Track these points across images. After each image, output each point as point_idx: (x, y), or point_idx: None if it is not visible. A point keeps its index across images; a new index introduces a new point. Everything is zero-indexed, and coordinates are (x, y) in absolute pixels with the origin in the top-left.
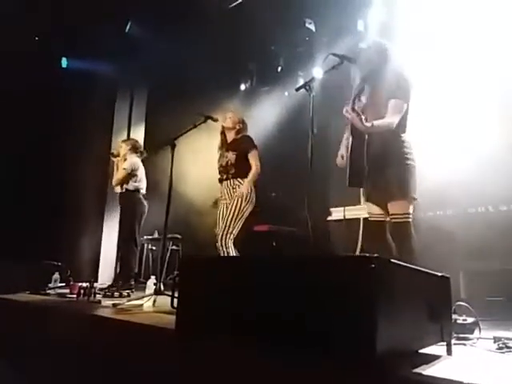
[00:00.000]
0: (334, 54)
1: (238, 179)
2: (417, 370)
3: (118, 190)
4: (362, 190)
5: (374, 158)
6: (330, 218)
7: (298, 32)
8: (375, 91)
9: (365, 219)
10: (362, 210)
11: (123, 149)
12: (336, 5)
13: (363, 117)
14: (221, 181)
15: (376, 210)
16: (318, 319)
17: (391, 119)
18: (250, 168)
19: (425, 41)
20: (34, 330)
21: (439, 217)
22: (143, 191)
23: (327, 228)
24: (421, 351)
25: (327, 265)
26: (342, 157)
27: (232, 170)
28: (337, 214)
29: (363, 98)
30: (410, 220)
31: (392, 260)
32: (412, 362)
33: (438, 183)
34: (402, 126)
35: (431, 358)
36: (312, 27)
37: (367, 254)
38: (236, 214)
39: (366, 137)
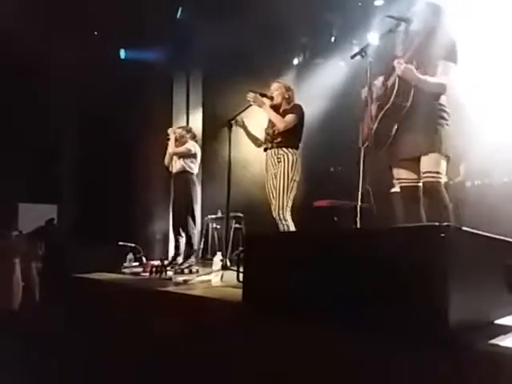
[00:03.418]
0: (391, 16)
1: (283, 149)
2: (493, 342)
3: (174, 169)
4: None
5: (408, 116)
6: (393, 190)
7: None
8: (424, 50)
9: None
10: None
11: (181, 134)
12: None
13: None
14: (265, 150)
15: (407, 174)
16: (388, 292)
17: (442, 81)
18: (297, 139)
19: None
20: (109, 306)
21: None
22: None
23: (390, 200)
24: (498, 322)
25: (395, 236)
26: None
27: (278, 139)
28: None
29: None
30: (442, 181)
31: (463, 228)
32: (488, 334)
33: (506, 151)
34: (444, 87)
35: (509, 329)
36: None
37: (437, 223)
38: (286, 185)
39: (412, 91)
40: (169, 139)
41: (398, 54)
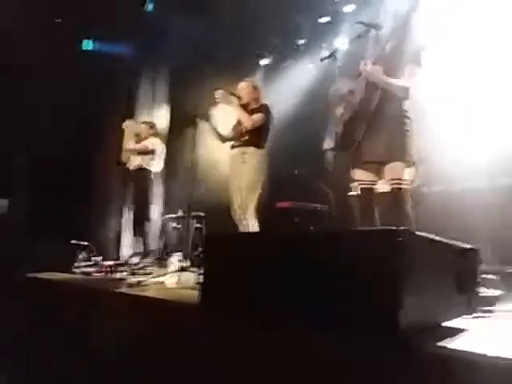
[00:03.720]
0: (361, 22)
1: (249, 148)
2: (441, 344)
3: (131, 166)
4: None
5: (373, 120)
6: (350, 193)
7: (320, 2)
8: (392, 56)
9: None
10: (383, 184)
11: (144, 130)
12: None
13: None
14: (232, 147)
15: (366, 175)
16: (341, 294)
17: (407, 84)
18: (263, 139)
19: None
20: (60, 307)
21: (468, 189)
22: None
23: (349, 203)
24: (445, 324)
25: (351, 239)
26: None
27: (244, 137)
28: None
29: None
30: (408, 187)
31: (418, 233)
32: (436, 336)
33: (465, 157)
34: (408, 91)
35: (456, 332)
36: None
37: (393, 227)
38: (251, 184)
39: (379, 93)
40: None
41: (367, 59)
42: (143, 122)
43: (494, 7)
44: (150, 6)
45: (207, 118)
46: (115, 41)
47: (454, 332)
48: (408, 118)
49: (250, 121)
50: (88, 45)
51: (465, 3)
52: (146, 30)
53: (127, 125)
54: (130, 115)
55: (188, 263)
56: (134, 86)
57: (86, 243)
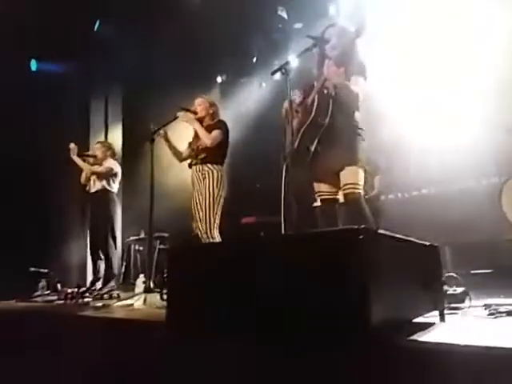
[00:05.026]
0: (310, 36)
1: (208, 165)
2: (412, 338)
3: (92, 189)
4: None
5: (327, 133)
6: (315, 204)
7: (270, 20)
8: (338, 66)
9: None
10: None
11: (101, 151)
12: None
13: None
14: (190, 166)
15: (325, 187)
16: (310, 296)
17: (355, 90)
18: (222, 155)
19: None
20: (19, 335)
21: (424, 195)
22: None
23: (313, 214)
24: (414, 320)
25: (315, 241)
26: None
27: (202, 155)
28: None
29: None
30: (362, 192)
31: (380, 231)
32: (407, 331)
33: (421, 163)
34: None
35: (425, 326)
36: (284, 14)
37: (355, 226)
38: (212, 201)
39: (330, 110)
40: (84, 156)
41: (315, 72)
42: (99, 142)
43: (438, 21)
44: (100, 27)
45: (164, 135)
46: (64, 60)
47: (424, 327)
48: (360, 128)
49: (209, 139)
50: (35, 65)
51: (407, 18)
52: (96, 48)
53: (73, 146)
54: (85, 135)
55: (152, 284)
56: (87, 106)
57: (46, 270)
